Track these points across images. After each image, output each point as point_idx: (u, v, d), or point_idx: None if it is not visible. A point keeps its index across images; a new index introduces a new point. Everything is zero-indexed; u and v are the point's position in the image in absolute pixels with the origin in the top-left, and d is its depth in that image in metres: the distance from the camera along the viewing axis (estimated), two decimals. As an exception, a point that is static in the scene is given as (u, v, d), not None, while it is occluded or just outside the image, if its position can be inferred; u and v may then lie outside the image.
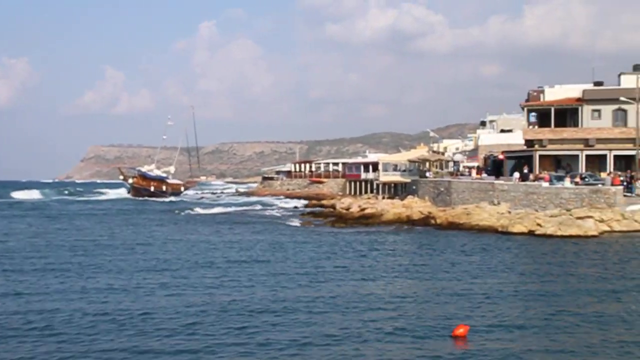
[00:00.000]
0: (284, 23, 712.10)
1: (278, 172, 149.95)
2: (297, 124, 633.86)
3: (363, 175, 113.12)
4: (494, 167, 68.15)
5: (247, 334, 18.79)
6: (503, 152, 67.65)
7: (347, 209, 63.95)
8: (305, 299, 23.59)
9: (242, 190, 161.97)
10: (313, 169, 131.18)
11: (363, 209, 59.92)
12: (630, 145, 57.56)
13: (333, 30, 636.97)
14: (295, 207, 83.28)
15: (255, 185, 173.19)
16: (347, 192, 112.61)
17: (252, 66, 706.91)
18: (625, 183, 50.44)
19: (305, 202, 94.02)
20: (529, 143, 64.23)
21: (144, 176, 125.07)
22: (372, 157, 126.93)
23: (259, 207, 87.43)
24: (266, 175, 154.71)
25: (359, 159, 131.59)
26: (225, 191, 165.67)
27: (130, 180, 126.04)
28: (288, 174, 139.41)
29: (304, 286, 26.15)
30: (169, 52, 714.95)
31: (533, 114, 68.43)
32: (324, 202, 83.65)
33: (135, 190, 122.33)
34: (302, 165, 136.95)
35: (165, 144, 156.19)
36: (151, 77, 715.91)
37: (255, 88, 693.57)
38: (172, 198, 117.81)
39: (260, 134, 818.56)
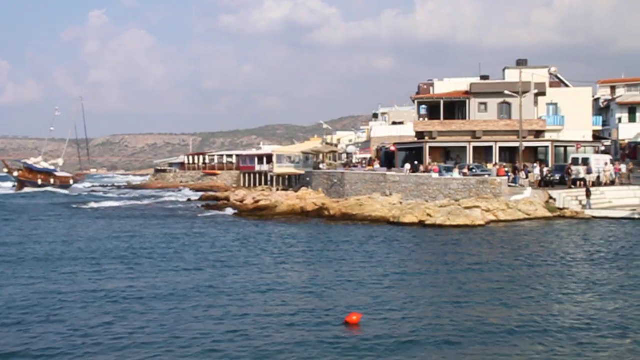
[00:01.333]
0: (178, 13, 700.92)
1: (171, 165, 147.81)
2: (190, 116, 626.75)
3: (257, 168, 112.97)
4: (386, 158, 69.48)
5: (145, 320, 18.50)
6: (395, 144, 69.02)
7: (242, 201, 63.69)
8: (199, 289, 23.42)
9: (134, 183, 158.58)
10: (207, 161, 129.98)
11: (257, 201, 59.80)
12: (514, 137, 59.88)
13: (228, 20, 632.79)
14: (189, 200, 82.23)
15: (147, 177, 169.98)
16: (242, 184, 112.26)
17: (145, 57, 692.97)
18: (510, 174, 52.39)
19: (199, 194, 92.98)
20: (420, 135, 65.84)
21: (30, 169, 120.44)
22: (266, 149, 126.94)
23: (151, 200, 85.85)
24: (159, 168, 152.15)
25: (253, 151, 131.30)
26: (116, 184, 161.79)
27: (16, 174, 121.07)
28: (181, 166, 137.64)
29: (197, 278, 25.91)
30: (57, 41, 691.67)
31: (423, 106, 70.22)
32: (218, 194, 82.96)
33: (20, 184, 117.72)
34: (196, 157, 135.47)
35: (53, 136, 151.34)
36: (38, 67, 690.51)
37: (148, 79, 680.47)
38: (61, 191, 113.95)
39: (153, 125, 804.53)
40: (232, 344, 17.02)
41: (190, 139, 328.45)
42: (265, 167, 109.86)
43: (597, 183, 52.45)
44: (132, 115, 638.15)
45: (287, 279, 25.89)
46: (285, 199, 58.20)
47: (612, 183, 54.27)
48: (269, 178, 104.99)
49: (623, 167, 56.57)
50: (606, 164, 54.23)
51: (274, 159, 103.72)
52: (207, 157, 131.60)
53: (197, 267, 28.96)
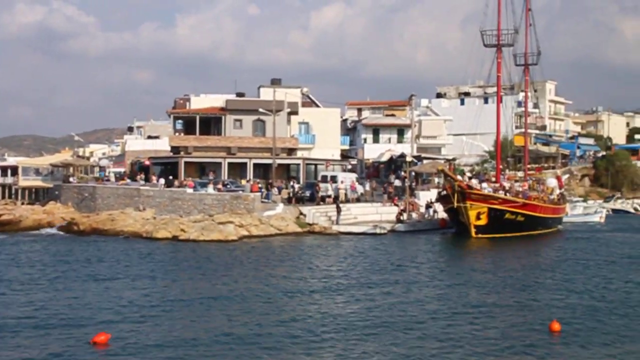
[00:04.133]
0: None
1: None
2: None
3: (0, 180, 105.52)
4: (141, 173, 67.98)
5: None
6: (149, 158, 67.79)
7: (-19, 216, 59.02)
8: None
9: None
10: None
11: (-1, 216, 55.78)
12: (268, 154, 61.34)
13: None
14: None
15: None
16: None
17: None
18: (263, 190, 53.55)
19: None
20: (175, 150, 65.27)
21: None
22: (11, 160, 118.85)
23: None
24: None
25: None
26: None
27: None
28: None
29: None
30: None
31: (180, 121, 69.73)
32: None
33: None
34: None
35: None
36: None
37: None
38: None
39: None
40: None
41: None
42: (9, 179, 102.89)
43: (345, 200, 55.20)
44: None
45: (32, 298, 24.37)
46: (30, 213, 54.96)
47: (358, 200, 57.47)
48: (13, 191, 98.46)
49: (359, 187, 59.45)
50: (342, 182, 56.62)
51: (19, 171, 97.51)
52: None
53: None
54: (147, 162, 66.99)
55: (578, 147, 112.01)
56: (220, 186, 52.80)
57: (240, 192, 51.65)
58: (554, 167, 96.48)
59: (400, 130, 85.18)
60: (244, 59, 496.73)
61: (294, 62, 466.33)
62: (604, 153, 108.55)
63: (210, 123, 67.03)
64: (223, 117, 65.54)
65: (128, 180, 59.94)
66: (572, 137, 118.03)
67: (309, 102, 75.80)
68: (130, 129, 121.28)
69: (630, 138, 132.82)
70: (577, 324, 20.83)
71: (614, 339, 19.27)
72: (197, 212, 48.95)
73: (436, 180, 60.85)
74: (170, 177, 57.10)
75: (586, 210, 74.19)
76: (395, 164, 73.91)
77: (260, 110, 61.29)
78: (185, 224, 45.45)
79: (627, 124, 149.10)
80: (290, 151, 65.77)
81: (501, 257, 38.14)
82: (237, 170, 62.27)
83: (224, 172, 61.11)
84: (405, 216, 52.85)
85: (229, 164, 62.01)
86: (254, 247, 40.64)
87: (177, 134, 68.58)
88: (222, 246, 40.66)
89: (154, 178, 58.23)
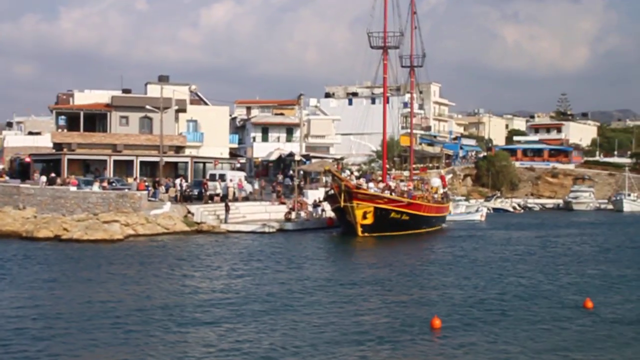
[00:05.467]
0: None
1: None
2: None
3: None
4: (21, 170, 65.59)
5: None
6: (30, 155, 65.43)
7: None
8: None
9: None
10: None
11: None
12: (155, 152, 60.35)
13: None
14: None
15: None
16: None
17: None
18: (150, 188, 52.69)
19: None
20: (58, 146, 63.29)
21: None
22: None
23: None
24: None
25: None
26: None
27: None
28: None
29: None
30: None
31: (63, 117, 67.59)
32: None
33: None
34: None
35: None
36: None
37: None
38: None
39: None
40: None
41: None
42: None
43: (234, 199, 55.04)
44: None
45: None
46: None
47: (247, 199, 57.40)
48: None
49: (248, 186, 59.45)
50: (231, 180, 56.46)
51: None
52: None
53: None
54: (27, 159, 64.63)
55: (461, 148, 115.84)
56: (105, 184, 51.57)
57: (127, 190, 50.62)
58: (438, 167, 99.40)
59: (289, 129, 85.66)
60: (131, 55, 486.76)
61: (184, 59, 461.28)
62: (485, 154, 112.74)
63: (95, 119, 65.38)
64: (108, 114, 64.09)
65: (7, 178, 57.55)
66: (456, 138, 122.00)
67: (197, 100, 75.04)
68: (10, 125, 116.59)
69: (509, 139, 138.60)
70: (457, 319, 21.61)
71: (492, 332, 20.11)
72: (81, 211, 47.57)
73: (324, 179, 61.56)
74: (53, 175, 55.29)
75: (468, 209, 76.87)
76: (284, 162, 74.38)
77: (147, 107, 60.22)
78: (68, 223, 44.11)
79: (507, 126, 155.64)
80: (178, 149, 65.00)
81: (386, 255, 39.05)
82: (123, 168, 61.01)
83: (110, 170, 59.74)
84: (293, 215, 53.20)
85: (115, 161, 60.68)
86: (137, 246, 39.93)
87: (59, 130, 66.42)
88: (107, 245, 39.70)
89: (35, 175, 56.23)
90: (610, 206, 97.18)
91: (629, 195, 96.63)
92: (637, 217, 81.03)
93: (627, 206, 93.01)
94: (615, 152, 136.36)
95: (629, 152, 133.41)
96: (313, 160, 70.47)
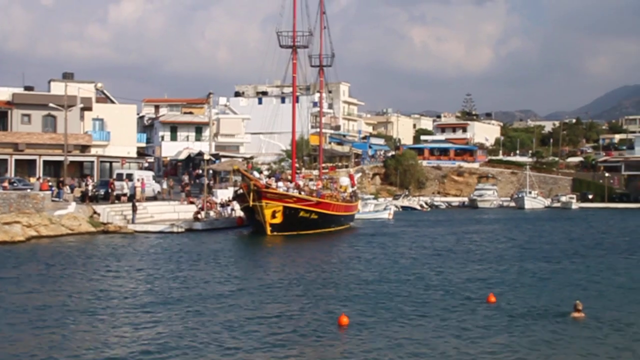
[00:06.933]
0: None
1: None
2: None
3: None
4: None
5: None
6: None
7: None
8: None
9: None
10: None
11: None
12: (59, 151, 58.80)
13: None
14: None
15: None
16: None
17: None
18: (54, 188, 51.32)
19: None
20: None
21: None
22: None
23: None
24: None
25: None
26: None
27: None
28: None
29: None
30: None
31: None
32: None
33: None
34: None
35: None
36: None
37: None
38: None
39: None
40: None
41: None
42: None
43: (143, 198, 54.22)
44: None
45: None
46: None
47: (155, 198, 56.64)
48: None
49: (156, 185, 58.71)
50: (139, 180, 55.58)
51: None
52: None
53: None
54: None
55: (370, 147, 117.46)
56: (6, 184, 49.89)
57: (29, 190, 49.12)
58: (347, 166, 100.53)
59: (199, 128, 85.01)
60: (35, 52, 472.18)
61: (91, 56, 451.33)
62: (393, 153, 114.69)
63: (-5, 117, 63.24)
64: (10, 112, 62.14)
65: None
66: (365, 137, 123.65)
67: (103, 98, 73.56)
68: None
69: (416, 139, 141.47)
70: (364, 315, 21.97)
71: (397, 327, 20.55)
72: (-21, 212, 45.86)
73: (234, 178, 61.38)
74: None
75: (376, 208, 78.12)
76: (193, 162, 73.76)
77: (51, 105, 58.49)
78: (-35, 225, 42.47)
79: (414, 126, 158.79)
80: (84, 148, 63.55)
81: (294, 255, 39.24)
82: (25, 167, 59.25)
83: (11, 170, 57.88)
84: (203, 214, 52.83)
85: (16, 160, 58.84)
86: (39, 248, 38.86)
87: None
88: (8, 248, 38.46)
89: None
90: (512, 204, 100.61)
91: (530, 193, 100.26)
92: (538, 214, 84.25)
93: (528, 203, 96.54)
94: (517, 151, 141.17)
95: (530, 151, 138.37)
96: (222, 160, 70.18)
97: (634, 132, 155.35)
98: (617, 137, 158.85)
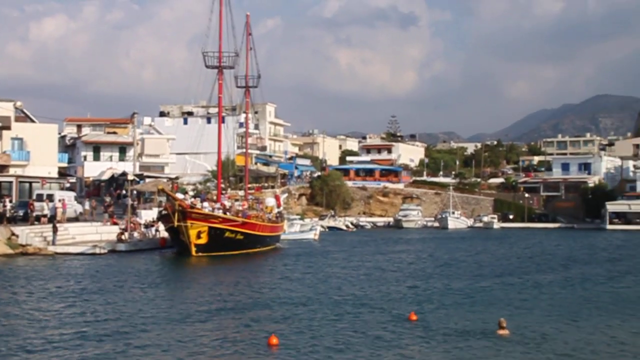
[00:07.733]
0: None
1: None
2: None
3: None
4: None
5: None
6: None
7: None
8: None
9: None
10: None
11: None
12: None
13: None
14: None
15: None
16: None
17: None
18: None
19: None
20: None
21: None
22: None
23: None
24: None
25: None
26: None
27: None
28: None
29: None
30: None
31: None
32: None
33: None
34: None
35: None
36: None
37: None
38: None
39: None
40: None
41: None
42: None
43: (64, 219, 52.89)
44: None
45: None
46: None
47: (77, 219, 55.36)
48: None
49: (78, 206, 57.49)
50: (60, 200, 54.21)
51: None
52: None
53: None
54: None
55: (296, 168, 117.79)
56: None
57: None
58: (273, 187, 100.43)
59: (122, 148, 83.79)
60: None
61: (11, 75, 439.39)
62: (320, 173, 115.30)
63: None
64: None
65: None
66: (291, 158, 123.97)
67: (23, 117, 71.66)
68: None
69: (342, 159, 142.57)
70: (294, 337, 21.90)
71: (324, 345, 20.58)
72: None
73: (159, 199, 60.56)
74: None
75: (302, 228, 78.18)
76: (116, 182, 72.55)
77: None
78: None
79: (340, 146, 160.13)
80: (2, 168, 61.75)
81: (220, 275, 38.90)
82: None
83: None
84: (126, 235, 51.87)
85: None
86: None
87: None
88: None
89: None
90: (436, 224, 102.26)
91: (453, 213, 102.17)
92: (461, 233, 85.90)
93: (452, 223, 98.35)
94: (441, 172, 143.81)
95: (453, 173, 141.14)
96: (147, 180, 69.21)
97: (551, 154, 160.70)
98: (536, 158, 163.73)
